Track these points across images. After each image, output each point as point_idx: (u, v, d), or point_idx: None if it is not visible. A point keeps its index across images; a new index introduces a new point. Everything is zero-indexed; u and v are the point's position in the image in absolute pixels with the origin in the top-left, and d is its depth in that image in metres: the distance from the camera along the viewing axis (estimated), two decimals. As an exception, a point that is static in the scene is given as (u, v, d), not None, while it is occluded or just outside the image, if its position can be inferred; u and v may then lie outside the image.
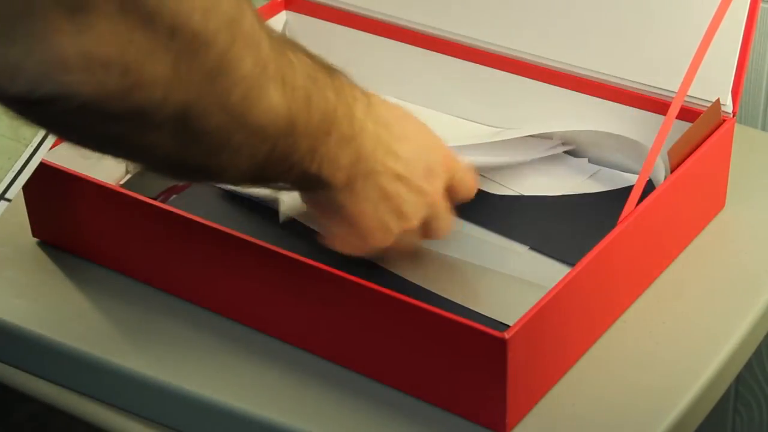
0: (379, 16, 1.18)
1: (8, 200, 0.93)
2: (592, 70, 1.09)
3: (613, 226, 0.92)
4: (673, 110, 0.97)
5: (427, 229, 0.94)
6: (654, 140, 0.96)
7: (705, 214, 1.06)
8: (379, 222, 0.90)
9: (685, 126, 1.00)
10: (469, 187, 0.96)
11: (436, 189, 0.92)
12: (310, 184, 0.85)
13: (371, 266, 0.99)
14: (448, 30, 1.15)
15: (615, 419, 0.89)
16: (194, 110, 0.70)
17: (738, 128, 1.11)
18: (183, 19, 0.66)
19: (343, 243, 0.92)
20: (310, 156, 0.82)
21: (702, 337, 0.96)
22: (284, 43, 0.78)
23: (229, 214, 1.04)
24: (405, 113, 0.92)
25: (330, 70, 0.84)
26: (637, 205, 0.94)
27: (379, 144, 0.87)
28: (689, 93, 1.01)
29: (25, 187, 0.98)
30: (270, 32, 0.75)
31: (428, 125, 0.93)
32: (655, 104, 1.06)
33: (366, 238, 0.91)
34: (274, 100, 0.75)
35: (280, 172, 0.81)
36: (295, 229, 1.02)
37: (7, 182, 0.93)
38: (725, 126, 1.03)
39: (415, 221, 0.91)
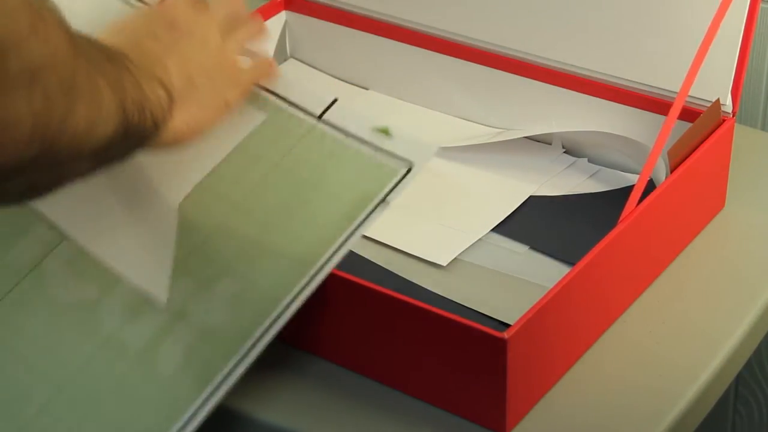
0: (379, 16, 1.18)
1: None
2: (592, 70, 1.09)
3: (613, 226, 0.92)
4: (675, 111, 0.97)
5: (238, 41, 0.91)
6: (656, 140, 0.96)
7: (705, 214, 1.06)
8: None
9: (685, 126, 1.00)
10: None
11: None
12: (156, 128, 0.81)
13: (371, 266, 0.99)
14: (448, 30, 1.15)
15: (615, 419, 0.89)
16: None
17: (738, 128, 1.11)
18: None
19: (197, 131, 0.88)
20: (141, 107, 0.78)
21: (702, 337, 0.96)
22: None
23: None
24: None
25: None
26: (637, 204, 0.94)
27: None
28: (689, 93, 1.01)
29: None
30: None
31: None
32: (656, 104, 1.06)
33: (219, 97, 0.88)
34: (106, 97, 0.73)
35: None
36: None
37: None
38: (725, 126, 1.03)
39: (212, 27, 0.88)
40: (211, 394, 0.83)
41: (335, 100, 0.93)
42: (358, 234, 0.87)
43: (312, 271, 0.85)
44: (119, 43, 0.81)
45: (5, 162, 0.66)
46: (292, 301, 0.84)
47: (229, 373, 0.83)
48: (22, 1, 0.64)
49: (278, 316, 0.84)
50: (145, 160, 0.89)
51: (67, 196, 0.88)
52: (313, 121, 0.93)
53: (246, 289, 0.86)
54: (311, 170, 0.92)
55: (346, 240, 0.86)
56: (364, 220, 0.87)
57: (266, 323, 0.84)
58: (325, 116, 0.93)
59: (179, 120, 0.83)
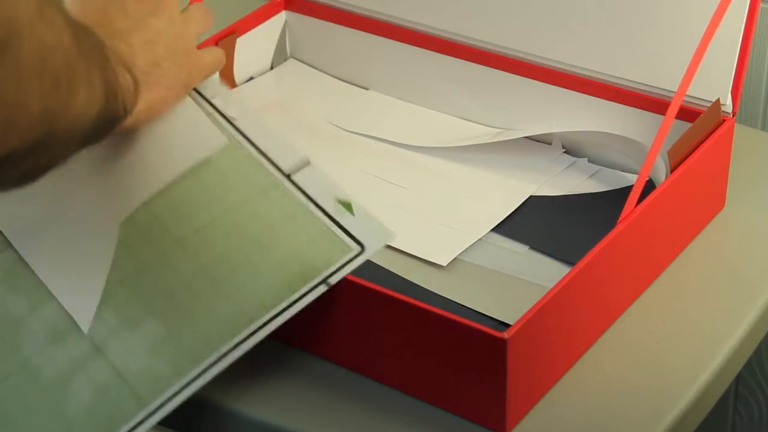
0: (379, 16, 1.18)
1: None
2: (592, 70, 1.09)
3: (613, 226, 0.92)
4: (673, 110, 0.97)
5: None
6: (654, 140, 0.96)
7: (705, 214, 1.06)
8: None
9: (685, 126, 1.00)
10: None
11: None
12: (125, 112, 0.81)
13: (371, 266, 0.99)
14: (448, 30, 1.15)
15: (615, 419, 0.89)
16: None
17: (738, 128, 1.11)
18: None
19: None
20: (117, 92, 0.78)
21: (702, 337, 0.96)
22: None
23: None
24: None
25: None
26: (637, 204, 0.94)
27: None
28: (689, 93, 1.01)
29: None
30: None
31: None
32: (655, 104, 1.06)
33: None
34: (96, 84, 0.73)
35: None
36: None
37: None
38: (725, 126, 1.03)
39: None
40: None
41: (307, 162, 0.88)
42: (295, 308, 0.83)
43: (240, 336, 0.81)
44: (84, 12, 0.80)
45: (17, 146, 0.66)
46: (213, 364, 0.80)
47: (135, 427, 0.78)
48: None
49: (197, 376, 0.80)
50: (93, 169, 0.86)
51: (13, 203, 0.86)
52: (281, 177, 0.88)
53: (169, 337, 0.81)
54: (265, 229, 0.86)
55: (282, 311, 0.83)
56: (305, 294, 0.83)
57: (182, 381, 0.79)
58: (293, 176, 0.88)
59: (142, 102, 0.83)
